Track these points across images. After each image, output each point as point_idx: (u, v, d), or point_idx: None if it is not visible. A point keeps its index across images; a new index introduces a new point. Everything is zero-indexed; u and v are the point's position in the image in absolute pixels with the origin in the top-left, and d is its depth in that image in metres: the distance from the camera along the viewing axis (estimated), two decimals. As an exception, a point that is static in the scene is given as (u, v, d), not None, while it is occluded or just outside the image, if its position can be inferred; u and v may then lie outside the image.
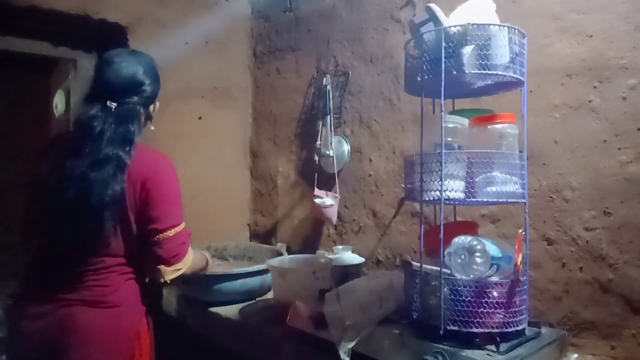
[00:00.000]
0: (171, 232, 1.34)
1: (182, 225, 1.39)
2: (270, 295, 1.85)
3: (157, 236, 1.33)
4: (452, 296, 1.14)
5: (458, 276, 1.17)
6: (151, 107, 1.47)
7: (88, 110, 1.31)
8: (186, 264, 1.40)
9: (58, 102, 2.50)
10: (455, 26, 1.18)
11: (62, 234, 1.27)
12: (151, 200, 1.32)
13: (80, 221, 1.25)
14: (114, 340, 1.30)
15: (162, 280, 1.38)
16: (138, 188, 1.31)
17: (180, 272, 1.39)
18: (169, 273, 1.37)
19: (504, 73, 1.20)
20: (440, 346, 1.12)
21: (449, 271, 1.19)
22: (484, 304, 1.12)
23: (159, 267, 1.35)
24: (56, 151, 1.33)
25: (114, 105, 1.32)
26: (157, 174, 1.35)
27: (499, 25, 1.19)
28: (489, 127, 1.24)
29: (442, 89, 1.16)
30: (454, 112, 1.38)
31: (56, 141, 1.46)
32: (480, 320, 1.12)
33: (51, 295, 1.29)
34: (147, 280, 1.45)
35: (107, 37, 2.14)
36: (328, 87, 2.06)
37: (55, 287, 1.29)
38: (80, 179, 1.24)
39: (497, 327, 1.13)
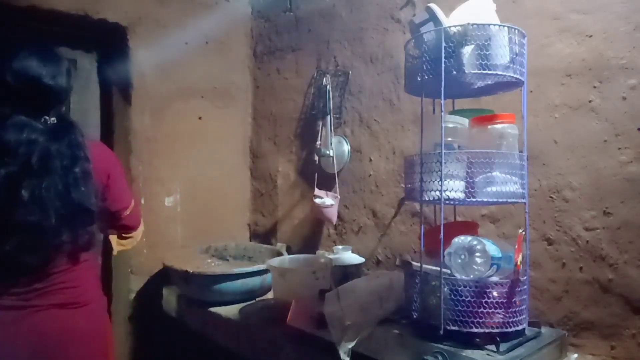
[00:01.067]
0: (132, 204, 1.58)
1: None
2: (270, 295, 1.85)
3: (125, 212, 1.54)
4: (452, 296, 1.14)
5: (458, 276, 1.17)
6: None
7: (25, 132, 1.22)
8: (142, 223, 1.69)
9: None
10: (455, 26, 1.18)
11: (38, 245, 1.25)
12: (117, 185, 1.48)
13: (64, 237, 1.27)
14: (89, 338, 1.34)
15: (135, 242, 1.67)
16: (104, 178, 1.43)
17: (142, 230, 1.70)
18: (139, 234, 1.67)
19: (504, 73, 1.20)
20: (440, 346, 1.12)
21: (449, 271, 1.19)
22: (484, 304, 1.12)
23: (131, 234, 1.63)
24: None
25: (53, 120, 1.30)
26: (113, 161, 1.50)
27: (499, 25, 1.19)
28: (489, 127, 1.24)
29: (442, 89, 1.16)
30: (454, 112, 1.38)
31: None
32: (480, 320, 1.12)
33: (17, 302, 1.25)
34: (115, 253, 1.70)
35: (107, 37, 2.14)
36: (328, 87, 2.06)
37: (21, 294, 1.26)
38: (60, 201, 1.25)
39: (497, 327, 1.13)
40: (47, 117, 1.30)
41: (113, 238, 1.64)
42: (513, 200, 1.22)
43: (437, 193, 1.18)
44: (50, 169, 1.24)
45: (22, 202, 1.20)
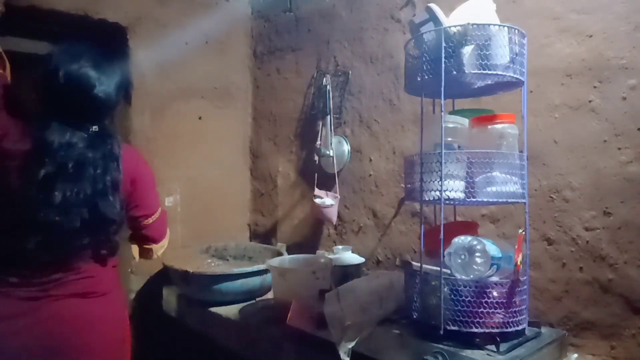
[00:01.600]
0: (157, 215, 1.51)
1: (161, 208, 1.54)
2: (270, 295, 1.85)
3: (147, 220, 1.47)
4: (452, 296, 1.14)
5: (458, 276, 1.17)
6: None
7: (67, 136, 1.25)
8: (167, 240, 1.61)
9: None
10: (455, 26, 1.18)
11: (60, 246, 1.27)
12: (140, 192, 1.44)
13: (87, 242, 1.30)
14: (107, 327, 1.35)
15: (155, 256, 1.57)
16: (128, 185, 1.39)
17: (165, 247, 1.60)
18: (159, 249, 1.56)
19: (504, 73, 1.20)
20: (440, 346, 1.12)
21: (449, 271, 1.19)
22: (484, 304, 1.12)
23: (149, 246, 1.53)
24: (31, 170, 1.23)
25: (95, 129, 1.31)
26: (140, 168, 1.46)
27: (499, 25, 1.19)
28: (489, 127, 1.24)
29: (442, 89, 1.16)
30: (454, 112, 1.38)
31: (27, 158, 1.26)
32: (480, 320, 1.12)
33: (34, 293, 1.25)
34: (136, 260, 1.61)
35: (107, 37, 2.14)
36: (328, 87, 2.06)
37: (38, 284, 1.26)
38: (86, 207, 1.27)
39: (497, 327, 1.13)
40: (89, 126, 1.31)
41: (134, 247, 1.58)
42: (513, 200, 1.22)
43: (437, 193, 1.18)
44: (84, 175, 1.27)
45: (53, 202, 1.22)
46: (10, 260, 1.25)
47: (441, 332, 1.14)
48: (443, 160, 1.16)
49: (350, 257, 1.79)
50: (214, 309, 1.76)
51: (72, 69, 1.27)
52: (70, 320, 1.28)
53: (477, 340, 1.12)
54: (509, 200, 1.21)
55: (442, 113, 1.19)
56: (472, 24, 1.17)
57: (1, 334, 1.22)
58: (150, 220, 1.48)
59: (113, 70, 1.36)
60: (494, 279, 1.17)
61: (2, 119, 1.24)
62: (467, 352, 1.09)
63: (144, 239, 1.52)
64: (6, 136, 1.23)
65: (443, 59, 1.16)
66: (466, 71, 1.18)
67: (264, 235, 2.48)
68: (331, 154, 2.04)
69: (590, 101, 1.37)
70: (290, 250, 2.24)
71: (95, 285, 1.34)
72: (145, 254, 1.56)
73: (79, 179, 1.26)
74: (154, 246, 1.53)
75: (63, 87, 1.27)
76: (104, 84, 1.31)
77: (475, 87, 1.33)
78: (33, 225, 1.23)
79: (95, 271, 1.35)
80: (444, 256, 1.18)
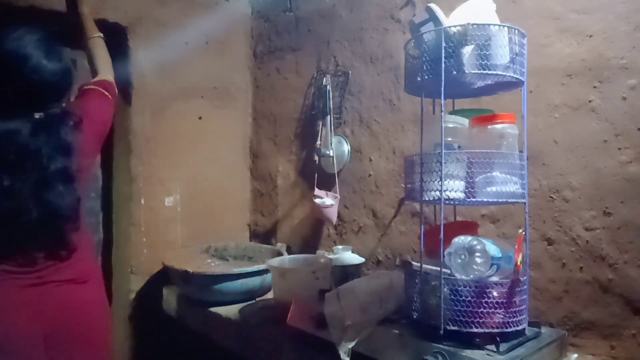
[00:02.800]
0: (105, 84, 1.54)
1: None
2: (270, 295, 1.85)
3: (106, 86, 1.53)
4: (452, 296, 1.14)
5: (458, 276, 1.17)
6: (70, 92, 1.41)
7: (10, 124, 1.21)
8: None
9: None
10: (455, 26, 1.18)
11: (23, 245, 1.26)
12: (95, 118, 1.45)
13: (43, 235, 1.27)
14: (98, 309, 1.40)
15: None
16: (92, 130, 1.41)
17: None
18: None
19: (504, 73, 1.20)
20: (440, 346, 1.12)
21: (449, 271, 1.19)
22: (484, 304, 1.12)
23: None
24: None
25: (40, 115, 1.25)
26: (84, 109, 1.41)
27: (499, 25, 1.19)
28: (489, 127, 1.24)
29: (442, 89, 1.16)
30: (454, 112, 1.38)
31: None
32: (480, 320, 1.12)
33: (35, 280, 1.26)
34: None
35: (107, 37, 2.14)
36: (328, 87, 2.06)
37: (36, 272, 1.27)
38: (34, 199, 1.23)
39: (497, 327, 1.13)
40: (33, 113, 1.25)
41: None
42: (513, 200, 1.22)
43: (437, 193, 1.18)
44: (25, 166, 1.22)
45: (5, 192, 1.20)
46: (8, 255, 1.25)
47: (441, 332, 1.14)
48: (443, 160, 1.16)
49: (350, 257, 1.79)
50: (214, 309, 1.76)
51: (9, 49, 1.22)
52: (71, 306, 1.31)
53: (477, 340, 1.12)
54: (509, 200, 1.21)
55: (442, 113, 1.19)
56: (472, 24, 1.17)
57: (10, 322, 1.23)
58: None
59: (57, 54, 1.29)
60: (494, 279, 1.17)
61: None
62: (467, 352, 1.09)
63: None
64: None
65: (443, 59, 1.16)
66: (466, 71, 1.18)
67: (264, 235, 2.48)
68: (331, 154, 2.04)
69: (590, 101, 1.37)
70: (290, 250, 2.24)
71: (83, 270, 1.36)
72: None
73: (22, 170, 1.22)
74: None
75: (5, 69, 1.22)
76: (42, 67, 1.23)
77: (475, 87, 1.33)
78: None
79: (82, 255, 1.37)
80: (444, 256, 1.18)
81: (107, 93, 1.52)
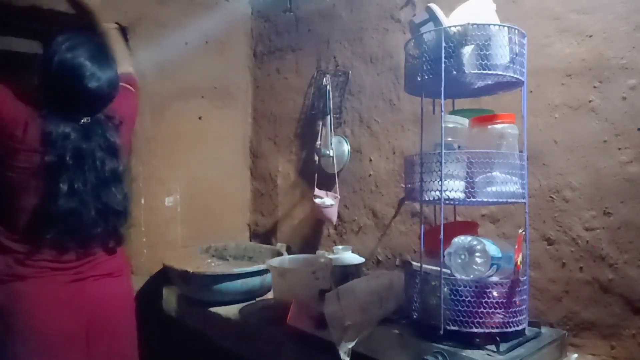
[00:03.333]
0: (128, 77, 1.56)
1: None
2: (270, 295, 1.85)
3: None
4: (452, 296, 1.14)
5: (458, 276, 1.17)
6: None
7: (63, 128, 1.27)
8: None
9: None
10: (455, 26, 1.18)
11: (84, 241, 1.34)
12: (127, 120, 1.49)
13: (98, 231, 1.36)
14: (129, 302, 1.49)
15: None
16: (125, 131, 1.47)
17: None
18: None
19: (504, 73, 1.20)
20: (440, 346, 1.12)
21: (449, 271, 1.19)
22: (484, 304, 1.12)
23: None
24: (37, 172, 1.27)
25: (87, 120, 1.32)
26: (118, 111, 1.44)
27: (499, 25, 1.19)
28: (489, 127, 1.24)
29: (442, 89, 1.16)
30: (454, 112, 1.38)
31: (25, 157, 1.27)
32: (480, 320, 1.12)
33: (74, 275, 1.32)
34: None
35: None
36: (328, 87, 2.06)
37: (75, 267, 1.33)
38: (94, 200, 1.32)
39: (497, 327, 1.13)
40: (81, 118, 1.32)
41: None
42: (513, 200, 1.22)
43: (437, 193, 1.18)
44: (83, 167, 1.30)
45: (62, 193, 1.26)
46: (37, 247, 1.30)
47: (441, 332, 1.14)
48: (443, 160, 1.16)
49: (350, 257, 1.79)
50: (214, 309, 1.76)
51: (65, 57, 1.26)
52: (107, 299, 1.38)
53: (477, 340, 1.12)
54: (509, 200, 1.21)
55: (442, 113, 1.19)
56: (472, 24, 1.17)
57: (55, 317, 1.28)
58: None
59: (109, 64, 1.34)
60: (494, 279, 1.17)
61: (16, 110, 1.27)
62: (467, 352, 1.09)
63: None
64: (17, 126, 1.25)
65: (443, 59, 1.16)
66: (466, 71, 1.18)
67: (264, 235, 2.48)
68: (331, 154, 2.04)
69: (590, 101, 1.37)
70: (290, 250, 2.24)
71: (118, 265, 1.44)
72: None
73: (81, 171, 1.30)
74: None
75: (55, 76, 1.27)
76: (96, 76, 1.29)
77: (475, 87, 1.33)
78: (49, 216, 1.27)
79: (118, 251, 1.44)
80: (444, 256, 1.18)
81: (131, 87, 1.56)
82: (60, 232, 1.29)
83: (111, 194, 1.35)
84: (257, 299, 1.85)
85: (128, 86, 1.54)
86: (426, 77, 1.21)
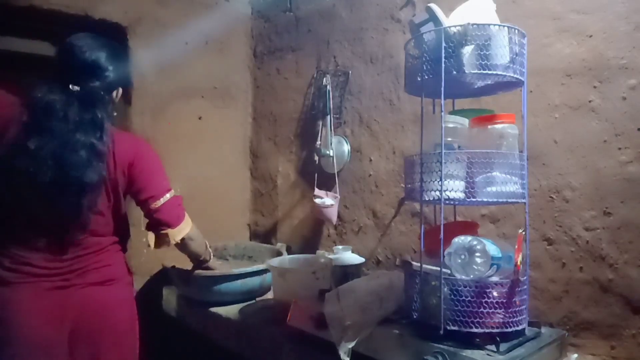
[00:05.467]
0: (167, 197, 1.47)
1: (173, 192, 1.51)
2: (270, 295, 1.85)
3: (155, 203, 1.44)
4: (452, 296, 1.14)
5: (458, 276, 1.17)
6: (114, 94, 1.46)
7: (48, 93, 1.29)
8: (188, 225, 1.56)
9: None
10: (455, 26, 1.18)
11: (39, 217, 1.31)
12: (142, 174, 1.43)
13: (59, 203, 1.30)
14: (122, 310, 1.45)
15: (172, 242, 1.50)
16: (126, 170, 1.41)
17: (186, 232, 1.53)
18: (177, 234, 1.50)
19: (504, 73, 1.20)
20: (440, 346, 1.12)
21: (449, 271, 1.19)
22: (484, 304, 1.12)
23: (165, 231, 1.47)
24: (13, 131, 1.27)
25: (76, 88, 1.32)
26: (140, 152, 1.45)
27: (499, 25, 1.19)
28: (489, 127, 1.24)
29: (442, 89, 1.16)
30: (454, 112, 1.38)
31: (9, 121, 1.30)
32: (480, 320, 1.12)
33: (59, 282, 1.32)
34: (152, 248, 1.53)
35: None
36: (328, 87, 2.06)
37: (60, 275, 1.33)
38: (53, 160, 1.26)
39: (497, 327, 1.13)
40: (72, 85, 1.32)
41: (150, 235, 1.52)
42: (513, 200, 1.22)
43: (437, 193, 1.18)
44: (53, 130, 1.27)
45: (28, 153, 1.24)
46: (23, 252, 1.30)
47: (441, 332, 1.14)
48: (443, 160, 1.16)
49: (350, 257, 1.79)
50: (214, 309, 1.76)
51: (72, 39, 1.37)
52: (93, 307, 1.36)
53: (477, 340, 1.12)
54: (509, 200, 1.21)
55: (442, 113, 1.19)
56: (472, 24, 1.17)
57: (36, 325, 1.28)
58: (159, 203, 1.44)
59: (102, 41, 1.40)
60: (494, 279, 1.17)
61: (7, 112, 1.30)
62: (467, 352, 1.09)
63: (157, 223, 1.46)
64: (9, 126, 1.28)
65: (443, 59, 1.16)
66: (466, 71, 1.18)
67: (264, 235, 2.48)
68: (331, 154, 2.04)
69: (590, 101, 1.37)
70: (290, 250, 2.24)
71: (110, 273, 1.41)
72: (161, 240, 1.49)
73: (50, 132, 1.27)
74: (169, 231, 1.47)
75: (57, 52, 1.38)
76: (91, 49, 1.35)
77: (475, 87, 1.33)
78: (9, 171, 1.26)
79: (112, 260, 1.43)
80: (444, 256, 1.18)
81: (179, 201, 1.53)
82: (15, 194, 1.27)
83: (78, 159, 1.27)
84: (257, 299, 1.85)
85: (178, 197, 1.53)
86: (426, 77, 1.21)
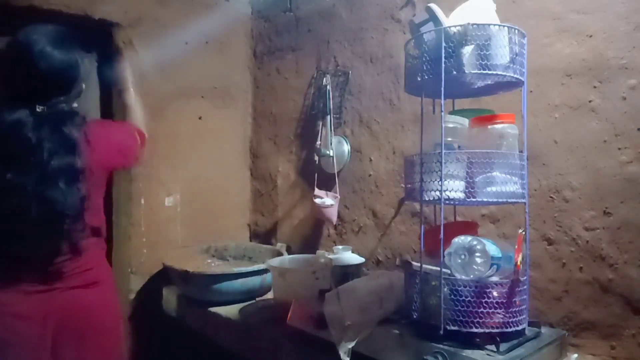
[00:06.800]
0: (138, 148, 1.55)
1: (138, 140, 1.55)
2: (270, 295, 1.85)
3: (137, 158, 1.56)
4: (452, 296, 1.14)
5: (458, 276, 1.17)
6: (80, 91, 1.39)
7: (13, 116, 1.20)
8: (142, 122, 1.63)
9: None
10: (455, 26, 1.18)
11: (26, 246, 1.27)
12: (115, 155, 1.46)
13: (45, 234, 1.27)
14: (105, 311, 1.43)
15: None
16: (107, 162, 1.43)
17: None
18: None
19: (504, 73, 1.20)
20: (440, 346, 1.12)
21: (449, 271, 1.19)
22: (484, 304, 1.12)
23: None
24: None
25: (42, 108, 1.24)
26: (96, 133, 1.38)
27: (499, 25, 1.19)
28: (489, 127, 1.24)
29: (442, 89, 1.16)
30: (454, 112, 1.38)
31: None
32: (480, 320, 1.12)
33: (40, 287, 1.29)
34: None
35: (107, 36, 2.14)
36: (328, 87, 2.06)
37: (42, 280, 1.30)
38: (34, 195, 1.21)
39: (497, 327, 1.13)
40: (39, 105, 1.23)
41: None
42: (513, 200, 1.22)
43: (437, 193, 1.18)
44: (28, 160, 1.21)
45: (8, 186, 1.20)
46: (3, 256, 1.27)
47: (441, 332, 1.14)
48: (443, 160, 1.16)
49: (350, 257, 1.79)
50: (214, 309, 1.76)
51: (19, 39, 1.23)
52: (76, 309, 1.34)
53: (477, 340, 1.12)
54: (509, 200, 1.21)
55: (442, 113, 1.19)
56: (472, 24, 1.17)
57: (18, 328, 1.27)
58: (139, 156, 1.56)
59: (65, 45, 1.28)
60: (494, 279, 1.17)
61: None
62: (467, 352, 1.09)
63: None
64: None
65: (443, 59, 1.16)
66: (466, 71, 1.18)
67: (264, 235, 2.48)
68: (331, 154, 2.04)
69: (590, 101, 1.37)
70: (290, 250, 2.24)
71: (93, 276, 1.39)
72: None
73: (26, 163, 1.21)
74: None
75: (7, 58, 1.23)
76: (47, 55, 1.22)
77: (475, 87, 1.33)
78: None
79: (94, 263, 1.41)
80: (444, 256, 1.18)
81: (136, 134, 1.56)
82: (2, 231, 1.23)
83: (58, 193, 1.22)
84: (257, 299, 1.85)
85: (133, 130, 1.55)
86: (426, 77, 1.21)
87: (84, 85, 1.40)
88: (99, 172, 1.40)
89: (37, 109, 1.23)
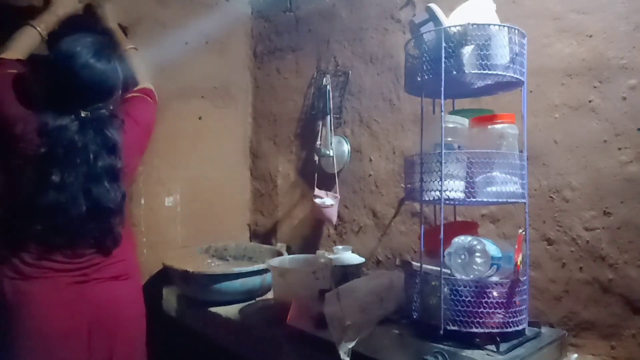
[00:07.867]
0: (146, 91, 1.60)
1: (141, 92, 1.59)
2: (270, 295, 1.85)
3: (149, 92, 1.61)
4: (452, 296, 1.14)
5: (458, 276, 1.17)
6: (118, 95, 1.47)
7: (59, 121, 1.28)
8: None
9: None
10: (455, 26, 1.18)
11: (71, 239, 1.33)
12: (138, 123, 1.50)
13: (91, 228, 1.34)
14: (135, 305, 1.48)
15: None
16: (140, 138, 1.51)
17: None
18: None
19: (504, 73, 1.20)
20: (440, 346, 1.12)
21: (449, 271, 1.19)
22: (484, 304, 1.12)
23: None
24: (32, 164, 1.28)
25: (86, 113, 1.32)
26: (130, 113, 1.47)
27: (499, 25, 1.19)
28: (489, 127, 1.24)
29: (442, 89, 1.16)
30: (454, 112, 1.38)
31: (24, 151, 1.29)
32: (480, 320, 1.12)
33: (77, 277, 1.33)
34: None
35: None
36: (328, 87, 2.06)
37: (79, 270, 1.34)
38: (82, 193, 1.30)
39: (497, 327, 1.13)
40: (80, 110, 1.31)
41: None
42: (513, 200, 1.22)
43: (437, 193, 1.18)
44: (75, 160, 1.29)
45: (51, 185, 1.26)
46: (42, 248, 1.31)
47: (441, 332, 1.14)
48: (443, 160, 1.16)
49: (350, 257, 1.79)
50: (214, 309, 1.76)
51: (63, 48, 1.31)
52: (109, 301, 1.39)
53: (477, 340, 1.12)
54: (509, 200, 1.21)
55: (442, 113, 1.19)
56: (472, 24, 1.17)
57: (56, 317, 1.30)
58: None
59: (106, 55, 1.36)
60: (494, 279, 1.17)
61: (15, 107, 1.30)
62: (467, 352, 1.09)
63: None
64: (17, 123, 1.28)
65: (443, 59, 1.16)
66: (466, 71, 1.18)
67: (264, 235, 2.48)
68: (331, 154, 2.04)
69: (590, 101, 1.37)
70: (290, 250, 2.24)
71: (125, 268, 1.44)
72: None
73: (72, 164, 1.29)
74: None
75: (52, 67, 1.31)
76: (90, 66, 1.31)
77: (475, 87, 1.33)
78: (40, 208, 1.27)
79: (126, 255, 1.45)
80: (444, 256, 1.18)
81: (149, 99, 1.60)
82: (47, 227, 1.28)
83: (103, 190, 1.32)
84: (257, 299, 1.85)
85: (146, 97, 1.58)
86: (426, 77, 1.21)
87: (120, 91, 1.48)
88: (132, 170, 1.51)
89: (82, 114, 1.31)
